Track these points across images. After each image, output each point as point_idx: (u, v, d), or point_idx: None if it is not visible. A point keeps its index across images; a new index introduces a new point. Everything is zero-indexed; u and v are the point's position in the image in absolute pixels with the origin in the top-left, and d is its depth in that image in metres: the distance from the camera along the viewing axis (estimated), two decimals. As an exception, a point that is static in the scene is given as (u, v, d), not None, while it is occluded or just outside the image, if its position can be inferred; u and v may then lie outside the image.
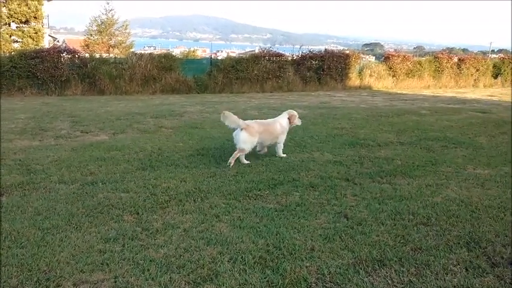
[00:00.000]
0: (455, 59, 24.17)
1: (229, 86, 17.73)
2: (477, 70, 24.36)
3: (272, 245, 3.43)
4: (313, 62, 19.79)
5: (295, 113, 6.60)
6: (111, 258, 3.19)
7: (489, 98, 17.56)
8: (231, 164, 5.78)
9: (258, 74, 18.24)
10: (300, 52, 20.05)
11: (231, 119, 5.87)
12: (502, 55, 29.50)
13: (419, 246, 3.46)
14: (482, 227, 3.87)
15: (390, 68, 21.68)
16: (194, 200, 4.47)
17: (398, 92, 19.41)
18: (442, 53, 24.85)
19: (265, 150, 6.49)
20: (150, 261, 3.16)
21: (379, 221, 3.96)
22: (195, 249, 3.36)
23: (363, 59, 26.33)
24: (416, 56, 28.50)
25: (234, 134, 6.01)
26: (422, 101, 15.47)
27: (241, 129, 5.87)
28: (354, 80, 20.62)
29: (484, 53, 46.94)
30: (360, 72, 20.95)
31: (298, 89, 18.79)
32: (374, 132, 8.40)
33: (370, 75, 21.10)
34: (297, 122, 6.60)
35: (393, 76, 21.72)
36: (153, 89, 16.65)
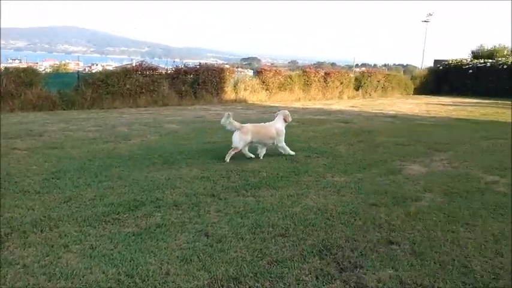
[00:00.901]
0: (322, 73, 26.00)
1: (100, 102, 16.74)
2: (341, 83, 26.55)
3: (124, 274, 3.20)
4: (189, 76, 19.70)
5: (287, 112, 7.79)
6: None
7: (351, 108, 19.13)
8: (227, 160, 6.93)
9: (130, 88, 17.52)
10: (175, 66, 19.81)
11: (233, 124, 6.97)
12: (363, 69, 32.75)
13: (276, 259, 3.50)
14: (335, 234, 4.08)
15: (263, 82, 22.50)
16: (41, 230, 4.02)
17: (272, 104, 20.19)
18: (309, 68, 26.58)
19: (264, 151, 7.46)
20: (-26, 309, 2.73)
21: (239, 236, 3.95)
22: (33, 288, 2.99)
23: (241, 72, 27.04)
24: (289, 70, 30.16)
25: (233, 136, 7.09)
26: (292, 113, 15.99)
27: (237, 130, 7.00)
28: (229, 93, 20.97)
29: (350, 66, 51.70)
30: (234, 86, 21.39)
31: (174, 103, 18.51)
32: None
33: (245, 89, 21.66)
34: (290, 119, 7.79)
35: (266, 90, 22.56)
36: (10, 107, 14.99)
